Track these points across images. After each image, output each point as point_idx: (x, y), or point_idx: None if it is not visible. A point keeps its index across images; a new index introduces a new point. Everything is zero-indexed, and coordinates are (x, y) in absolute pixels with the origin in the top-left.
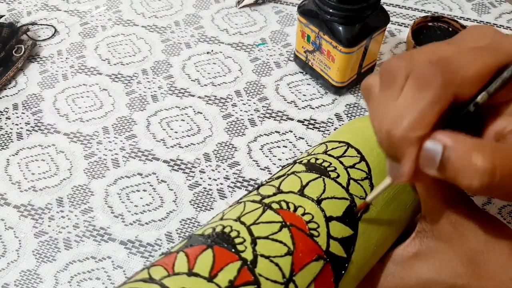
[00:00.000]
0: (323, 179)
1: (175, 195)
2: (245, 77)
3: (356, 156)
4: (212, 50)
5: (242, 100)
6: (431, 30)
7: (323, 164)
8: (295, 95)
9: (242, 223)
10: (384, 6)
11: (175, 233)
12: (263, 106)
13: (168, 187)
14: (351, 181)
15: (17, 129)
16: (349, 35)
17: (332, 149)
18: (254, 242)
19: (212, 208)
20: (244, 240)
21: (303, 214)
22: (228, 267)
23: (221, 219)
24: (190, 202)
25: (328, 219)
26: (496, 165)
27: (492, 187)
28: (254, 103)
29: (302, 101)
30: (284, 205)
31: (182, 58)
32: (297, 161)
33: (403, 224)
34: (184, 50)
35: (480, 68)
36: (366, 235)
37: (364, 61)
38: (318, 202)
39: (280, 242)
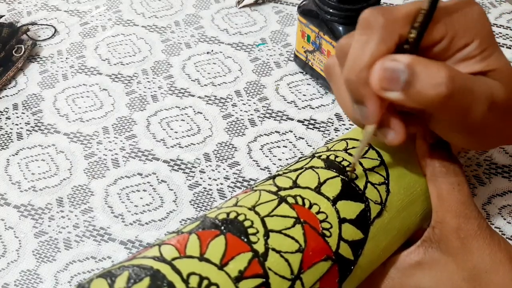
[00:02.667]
0: (341, 179)
1: (175, 195)
2: (245, 77)
3: (376, 159)
4: (212, 50)
5: (242, 100)
6: None
7: (342, 163)
8: (295, 95)
9: (257, 213)
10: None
11: None
12: (263, 106)
13: (168, 187)
14: (369, 184)
15: (17, 129)
16: None
17: (353, 147)
18: (267, 235)
19: (212, 208)
20: (257, 232)
21: (318, 213)
22: (240, 257)
23: (235, 205)
24: (190, 202)
25: (342, 221)
26: (454, 75)
27: (451, 96)
28: (254, 103)
29: (302, 101)
30: (299, 200)
31: (182, 58)
32: (316, 155)
33: (411, 232)
34: (184, 50)
35: (409, 6)
36: (375, 240)
37: None
38: (334, 202)
39: (292, 238)
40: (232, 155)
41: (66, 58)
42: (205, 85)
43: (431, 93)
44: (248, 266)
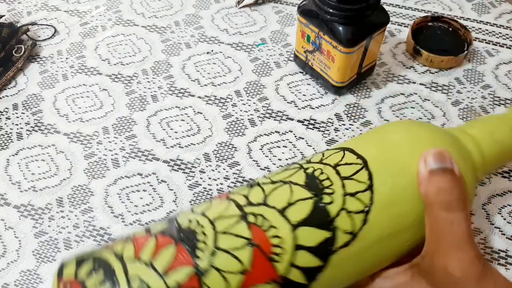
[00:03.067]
0: (314, 202)
1: (175, 195)
2: (245, 77)
3: (364, 183)
4: (212, 50)
5: (242, 100)
6: (431, 30)
7: (323, 183)
8: (295, 95)
9: (214, 227)
10: (384, 6)
11: None
12: (263, 106)
13: (168, 187)
14: (343, 212)
15: (17, 129)
16: (349, 35)
17: (346, 164)
18: (214, 253)
19: None
20: (206, 246)
21: (273, 237)
22: (182, 269)
23: (203, 212)
24: (190, 202)
25: (298, 247)
26: None
27: None
28: (254, 103)
29: (302, 101)
30: (260, 220)
31: (182, 58)
32: (304, 166)
33: (397, 257)
34: (184, 50)
35: None
36: (338, 267)
37: (364, 61)
38: (295, 226)
39: (238, 259)
40: (232, 155)
41: (66, 58)
42: (205, 85)
43: None
44: (186, 280)
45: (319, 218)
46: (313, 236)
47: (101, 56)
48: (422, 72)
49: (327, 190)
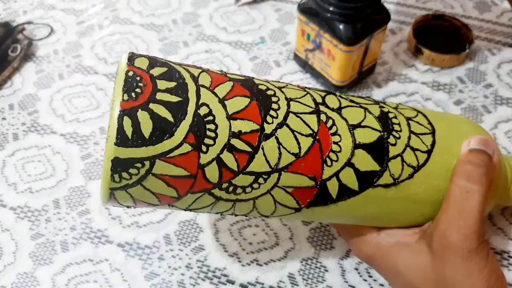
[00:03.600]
0: (380, 135)
1: None
2: None
3: (426, 146)
4: (210, 49)
5: None
6: (433, 28)
7: (394, 126)
8: None
9: (288, 105)
10: (385, 4)
11: (174, 235)
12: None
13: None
14: (399, 158)
15: (13, 129)
16: (350, 33)
17: (417, 123)
18: (281, 124)
19: None
20: (276, 117)
21: (335, 143)
22: (249, 123)
23: (280, 88)
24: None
25: (349, 164)
26: None
27: None
28: None
29: None
30: (330, 123)
31: (180, 57)
32: (381, 103)
33: (408, 225)
34: (182, 49)
35: None
36: (367, 202)
37: (365, 60)
38: (356, 146)
39: (298, 142)
40: None
41: (63, 58)
42: None
43: None
44: (249, 133)
45: (379, 151)
46: (366, 162)
47: (97, 55)
48: (424, 71)
49: (395, 133)
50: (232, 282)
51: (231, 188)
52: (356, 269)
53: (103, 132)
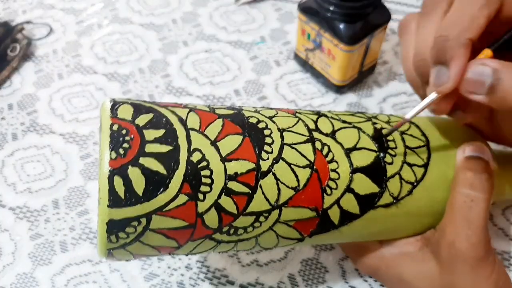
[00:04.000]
0: (377, 156)
1: None
2: (244, 76)
3: (422, 160)
4: (210, 49)
5: (241, 99)
6: None
7: (389, 143)
8: (295, 94)
9: (282, 137)
10: (386, 4)
11: None
12: (262, 106)
13: None
14: (397, 176)
15: (12, 129)
16: (350, 33)
17: (411, 136)
18: (277, 160)
19: None
20: (271, 152)
21: (332, 171)
22: (243, 162)
23: (271, 118)
24: None
25: (349, 190)
26: None
27: None
28: (253, 102)
29: (302, 100)
30: (325, 150)
31: (179, 57)
32: (373, 118)
33: (411, 235)
34: (182, 49)
35: None
36: (369, 223)
37: (365, 59)
38: (354, 171)
39: (296, 176)
40: None
41: (62, 57)
42: (203, 84)
43: None
44: (245, 174)
45: (377, 172)
46: (365, 185)
47: (97, 55)
48: None
49: (390, 151)
50: (232, 283)
51: (232, 231)
52: (357, 270)
53: None
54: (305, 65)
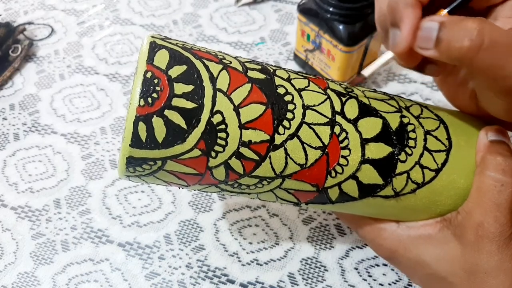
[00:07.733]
0: (391, 151)
1: (174, 196)
2: None
3: (434, 169)
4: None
5: None
6: None
7: (409, 142)
8: None
9: (303, 112)
10: None
11: (174, 235)
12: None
13: (167, 188)
14: (405, 174)
15: (14, 129)
16: (350, 34)
17: (433, 151)
18: (291, 137)
19: (211, 210)
20: (288, 127)
21: (343, 157)
22: (260, 132)
23: (299, 91)
24: (189, 203)
25: (353, 177)
26: (484, 28)
27: (480, 48)
28: None
29: None
30: (342, 136)
31: None
32: (404, 111)
33: (428, 217)
34: None
35: None
36: (366, 206)
37: (364, 60)
38: (364, 160)
39: (306, 155)
40: None
41: (63, 58)
42: None
43: (458, 46)
44: (258, 144)
45: (386, 167)
46: (370, 176)
47: (98, 56)
48: None
49: (407, 150)
50: (232, 282)
51: (236, 185)
52: (356, 268)
53: (104, 132)
54: (305, 65)
